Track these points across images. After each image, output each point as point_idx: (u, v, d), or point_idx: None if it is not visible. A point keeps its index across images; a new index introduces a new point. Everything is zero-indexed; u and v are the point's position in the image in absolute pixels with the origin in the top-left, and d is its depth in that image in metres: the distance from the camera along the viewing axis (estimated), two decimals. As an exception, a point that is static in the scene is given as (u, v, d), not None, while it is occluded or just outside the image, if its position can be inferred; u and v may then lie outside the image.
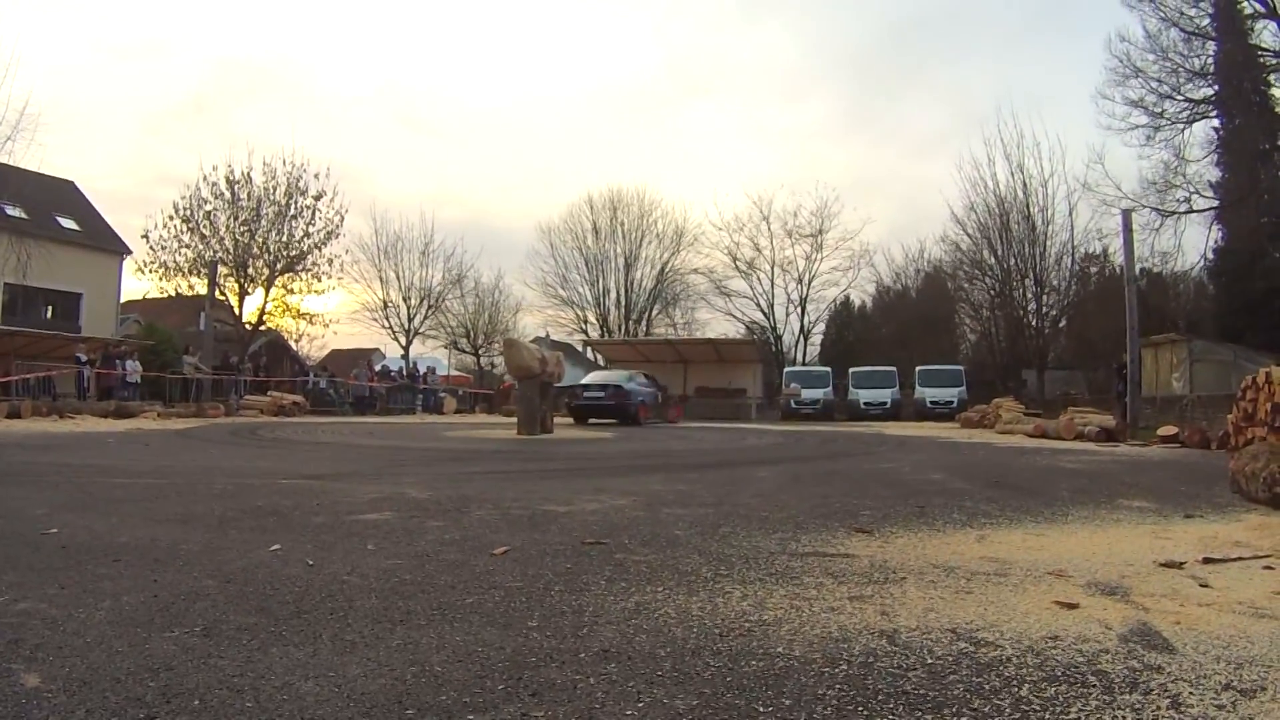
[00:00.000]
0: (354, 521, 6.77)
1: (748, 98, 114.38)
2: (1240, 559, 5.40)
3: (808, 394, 48.18)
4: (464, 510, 7.43)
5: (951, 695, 2.89)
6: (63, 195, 52.23)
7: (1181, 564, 5.20)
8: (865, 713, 2.73)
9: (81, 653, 3.30)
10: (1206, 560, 5.31)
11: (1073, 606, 4.07)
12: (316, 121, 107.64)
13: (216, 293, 46.56)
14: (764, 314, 68.92)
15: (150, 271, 52.44)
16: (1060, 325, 55.84)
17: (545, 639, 3.55)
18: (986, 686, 2.98)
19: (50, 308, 49.97)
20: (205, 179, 52.76)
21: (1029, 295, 54.51)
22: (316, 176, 54.51)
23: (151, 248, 52.02)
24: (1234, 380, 21.79)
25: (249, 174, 53.18)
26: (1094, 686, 2.97)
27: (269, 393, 39.85)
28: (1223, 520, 7.27)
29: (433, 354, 68.64)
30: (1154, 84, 42.10)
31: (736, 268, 68.46)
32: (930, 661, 3.25)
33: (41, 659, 3.22)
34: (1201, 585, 4.65)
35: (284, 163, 54.06)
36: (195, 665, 3.17)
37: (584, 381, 37.85)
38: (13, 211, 42.24)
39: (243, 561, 5.13)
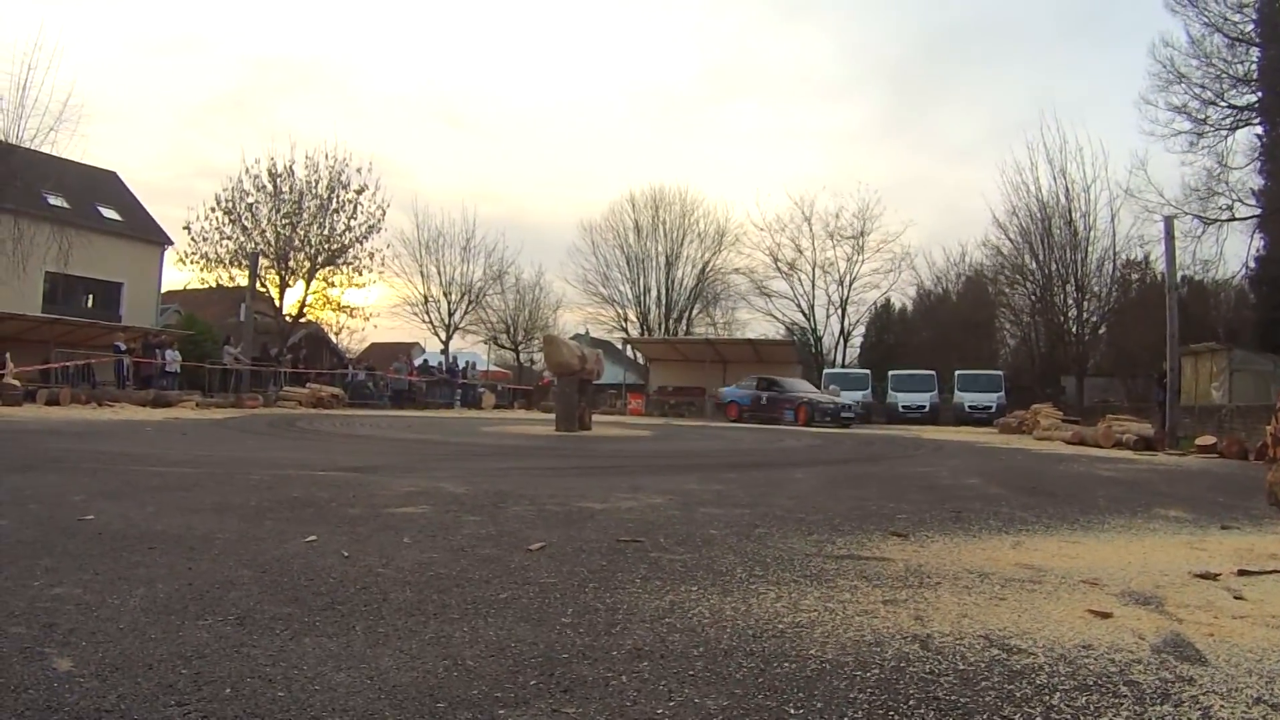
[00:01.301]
0: (390, 514, 6.80)
1: (787, 99, 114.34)
2: (1276, 572, 5.37)
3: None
4: (500, 506, 7.45)
5: (983, 702, 2.89)
6: (105, 185, 52.56)
7: (1216, 576, 5.17)
8: (896, 717, 2.74)
9: (115, 639, 3.32)
10: (1242, 572, 5.29)
11: (1106, 616, 4.06)
12: (357, 118, 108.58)
13: (257, 284, 46.72)
14: (804, 315, 68.46)
15: (191, 262, 52.70)
16: (1100, 332, 55.20)
17: (578, 636, 3.56)
18: (1018, 694, 2.97)
19: (91, 296, 50.30)
20: (247, 171, 52.88)
21: (1070, 301, 53.81)
22: (359, 171, 54.54)
23: (193, 239, 52.30)
24: (1274, 391, 21.64)
25: (291, 167, 53.33)
26: (1125, 697, 2.96)
27: (307, 385, 39.90)
28: (1259, 533, 7.24)
29: (472, 349, 68.71)
30: (1197, 90, 41.74)
31: (777, 268, 67.95)
32: (962, 667, 3.25)
33: (75, 644, 3.24)
34: (1236, 597, 4.63)
35: (326, 156, 54.11)
36: (228, 654, 3.19)
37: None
38: (54, 201, 42.53)
39: (278, 552, 5.16)
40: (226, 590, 4.15)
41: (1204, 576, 5.14)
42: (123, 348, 37.80)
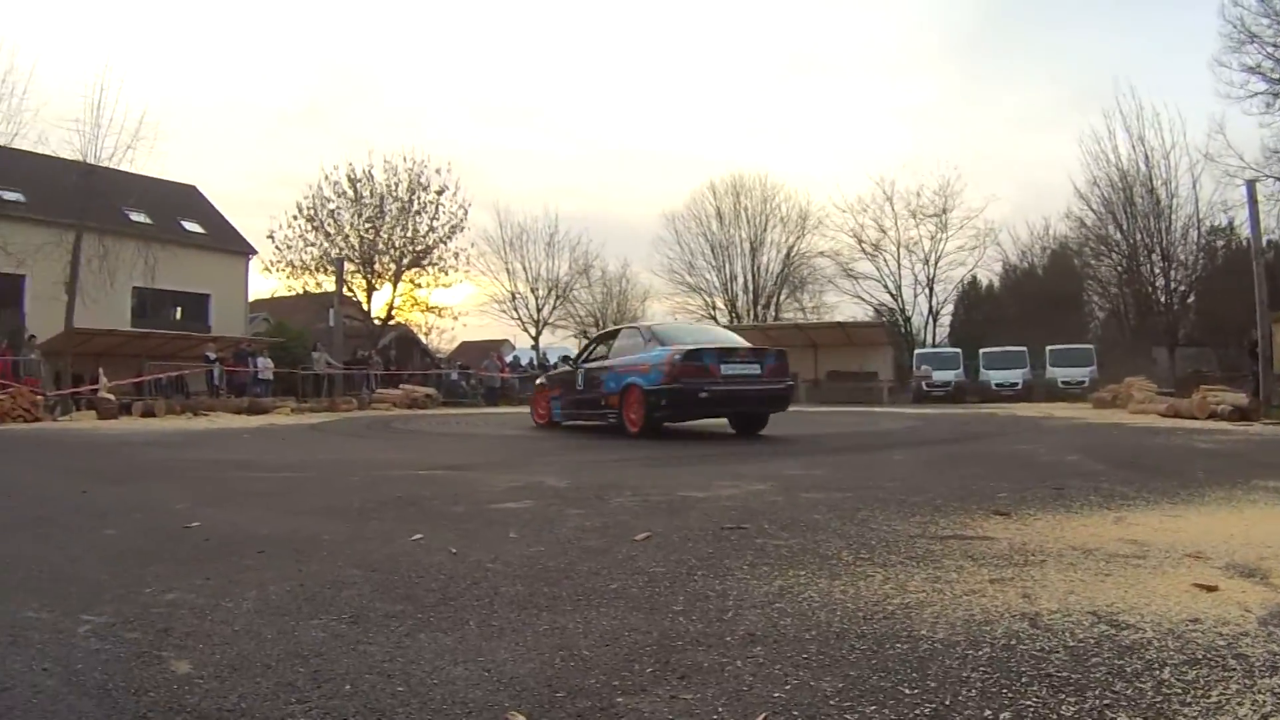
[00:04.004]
0: (494, 510, 6.87)
1: (864, 77, 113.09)
2: (1380, 539, 5.31)
3: (938, 376, 47.70)
4: (603, 498, 7.49)
5: (1093, 678, 2.88)
6: (186, 200, 53.47)
7: (1321, 545, 5.10)
8: (1009, 695, 2.74)
9: (231, 640, 3.40)
10: (1347, 541, 5.22)
11: (1211, 589, 4.02)
12: (433, 121, 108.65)
13: (344, 289, 47.23)
14: (892, 296, 68.54)
15: (277, 270, 53.75)
16: (1189, 301, 54.15)
17: (691, 623, 3.60)
18: (1128, 669, 2.96)
19: (179, 309, 51.18)
20: (327, 178, 53.90)
21: (1156, 271, 53.00)
22: (438, 172, 55.21)
23: (277, 247, 53.41)
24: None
25: (370, 171, 54.12)
26: (1235, 670, 2.94)
27: (400, 386, 40.09)
28: (1363, 500, 7.11)
29: (563, 344, 68.67)
30: (1270, 49, 41.03)
31: (862, 250, 68.05)
32: (1072, 644, 3.24)
33: (191, 647, 3.32)
34: (1342, 566, 4.57)
35: (404, 159, 54.82)
36: (344, 651, 3.26)
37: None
38: (137, 217, 43.03)
39: (386, 551, 5.24)
40: (338, 590, 4.23)
41: (1308, 546, 5.08)
42: (212, 357, 38.42)
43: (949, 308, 69.80)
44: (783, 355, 17.27)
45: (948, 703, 2.69)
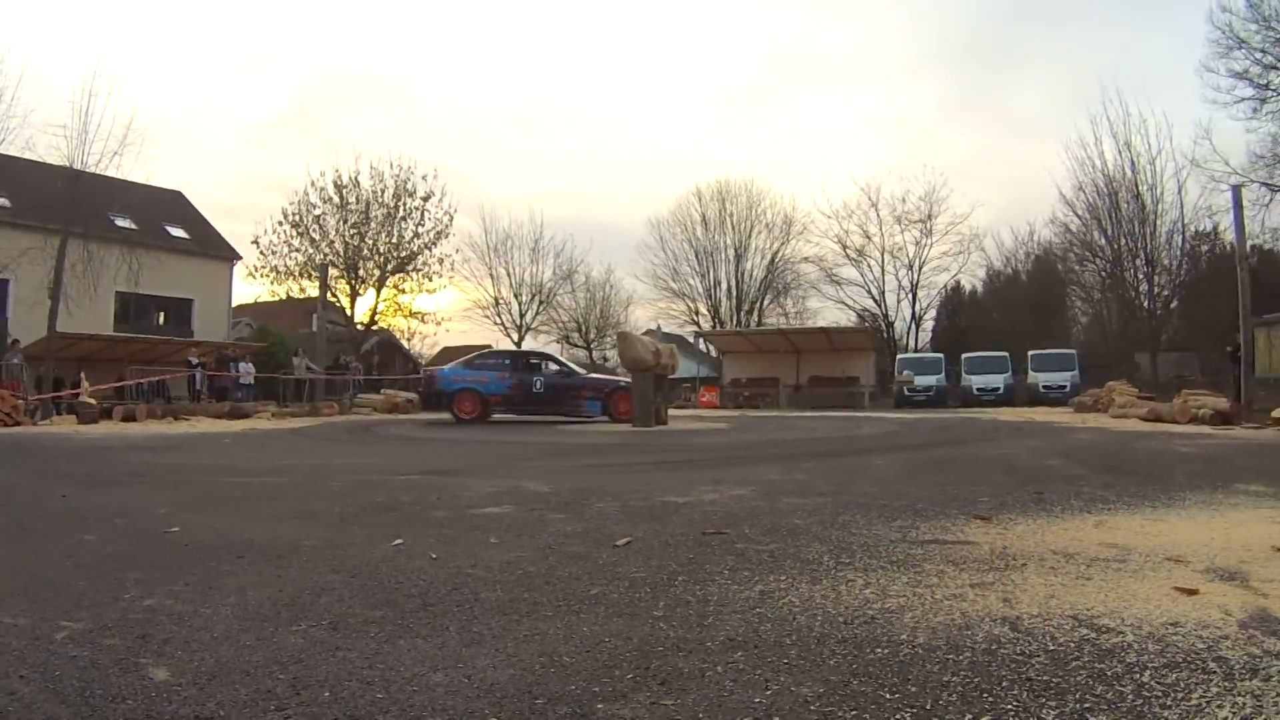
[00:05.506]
0: (475, 515, 6.85)
1: (851, 84, 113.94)
2: (1363, 543, 5.31)
3: (921, 381, 47.93)
4: (584, 503, 7.49)
5: (1074, 682, 2.88)
6: (171, 205, 53.39)
7: (1302, 549, 5.11)
8: (990, 699, 2.75)
9: (209, 647, 3.39)
10: (1328, 545, 5.22)
11: (1192, 593, 4.04)
12: (420, 126, 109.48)
13: (328, 295, 47.15)
14: (875, 301, 68.87)
15: (261, 276, 53.72)
16: (1172, 306, 54.38)
17: (671, 629, 3.60)
18: (1109, 673, 2.97)
19: (162, 314, 51.06)
20: (313, 184, 53.89)
21: (1140, 276, 53.18)
22: (424, 178, 55.34)
23: (262, 253, 53.32)
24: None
25: (356, 178, 54.20)
26: (1214, 673, 2.95)
27: (382, 391, 40.18)
28: (1343, 505, 7.11)
29: (545, 349, 69.05)
30: (1258, 55, 40.91)
31: (846, 255, 68.28)
32: (1053, 648, 3.25)
33: (170, 653, 3.31)
34: (1323, 570, 4.57)
35: (391, 166, 54.94)
36: (324, 658, 3.25)
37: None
38: (122, 222, 42.75)
39: (366, 556, 5.23)
40: (318, 596, 4.22)
41: (1288, 551, 5.08)
42: (195, 362, 38.30)
43: (932, 313, 70.36)
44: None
45: (928, 707, 2.69)
